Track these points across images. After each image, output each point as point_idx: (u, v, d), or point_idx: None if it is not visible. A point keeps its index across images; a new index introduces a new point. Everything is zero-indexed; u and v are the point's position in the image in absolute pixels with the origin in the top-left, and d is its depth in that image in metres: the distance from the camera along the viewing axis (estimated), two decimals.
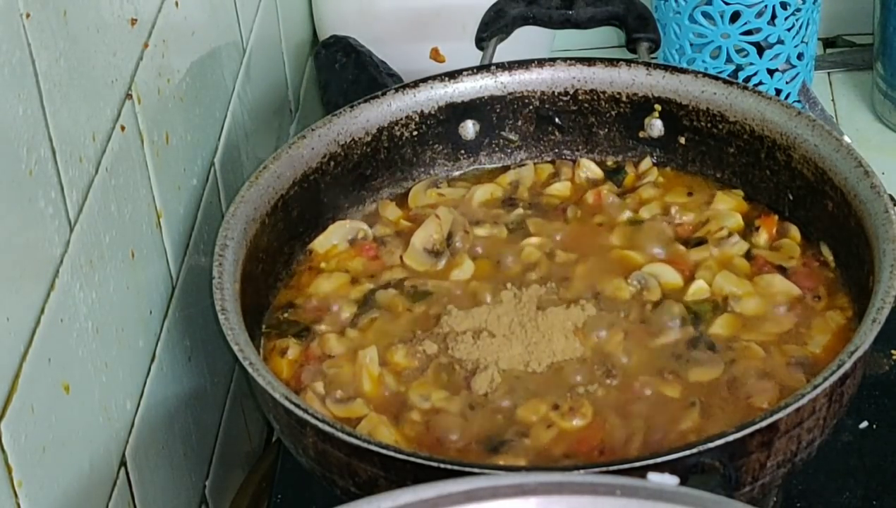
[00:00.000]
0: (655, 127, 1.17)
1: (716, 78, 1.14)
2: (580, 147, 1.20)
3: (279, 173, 1.09)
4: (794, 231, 1.09)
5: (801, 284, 1.05)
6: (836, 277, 1.05)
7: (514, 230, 1.13)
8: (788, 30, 1.48)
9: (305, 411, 0.88)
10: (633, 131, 1.18)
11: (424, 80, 1.17)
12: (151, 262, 1.01)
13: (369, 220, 1.15)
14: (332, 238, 1.12)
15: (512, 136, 1.20)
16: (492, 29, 1.25)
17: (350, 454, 0.88)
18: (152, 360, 1.00)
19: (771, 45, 1.49)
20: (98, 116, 0.91)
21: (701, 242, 1.09)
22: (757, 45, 1.49)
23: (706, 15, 1.48)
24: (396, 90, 1.17)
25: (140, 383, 0.98)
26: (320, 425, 0.87)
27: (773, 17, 1.47)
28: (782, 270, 1.06)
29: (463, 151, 1.20)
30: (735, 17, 1.47)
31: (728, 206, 1.12)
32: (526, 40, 1.30)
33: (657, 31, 1.23)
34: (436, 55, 1.56)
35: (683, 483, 0.70)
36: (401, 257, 1.10)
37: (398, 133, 1.17)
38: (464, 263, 1.09)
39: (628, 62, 1.17)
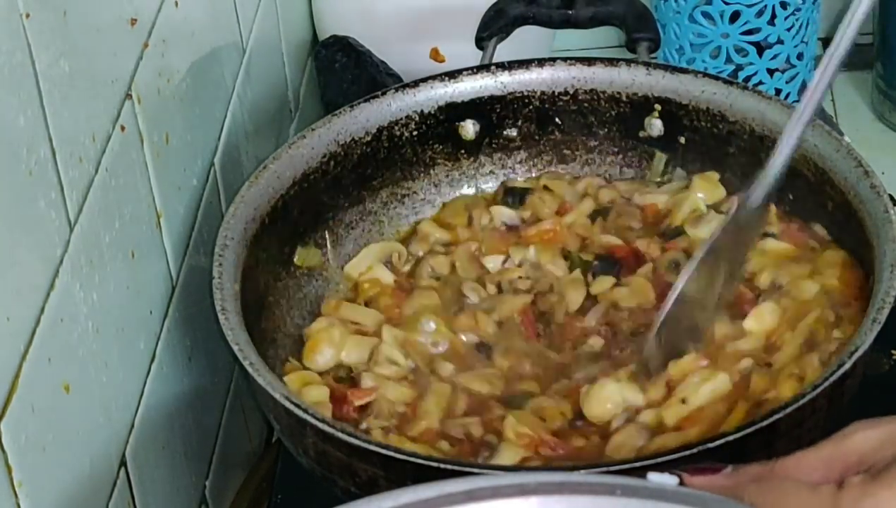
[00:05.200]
0: (655, 127, 1.17)
1: (716, 78, 1.14)
2: (580, 147, 1.20)
3: (279, 173, 1.09)
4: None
5: (793, 242, 1.06)
6: (822, 234, 1.07)
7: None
8: (788, 30, 1.49)
9: (305, 411, 0.88)
10: (633, 131, 1.18)
11: (424, 80, 1.17)
12: (151, 262, 1.01)
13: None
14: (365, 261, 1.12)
15: (512, 136, 1.20)
16: (492, 29, 1.25)
17: (350, 454, 0.88)
18: (152, 360, 1.00)
19: (771, 45, 1.49)
20: (98, 116, 0.91)
21: (678, 233, 1.09)
22: (757, 44, 1.49)
23: (706, 15, 1.48)
24: (396, 90, 1.17)
25: (140, 383, 0.98)
26: (320, 425, 0.87)
27: (773, 16, 1.48)
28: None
29: (463, 151, 1.20)
30: (735, 16, 1.47)
31: (701, 190, 1.13)
32: (526, 40, 1.31)
33: (657, 31, 1.23)
34: (436, 55, 1.56)
35: (683, 483, 0.70)
36: None
37: (398, 133, 1.17)
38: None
39: (628, 62, 1.17)
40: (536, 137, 1.20)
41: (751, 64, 1.49)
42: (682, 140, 1.16)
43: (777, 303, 1.00)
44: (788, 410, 0.85)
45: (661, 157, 1.17)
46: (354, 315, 1.07)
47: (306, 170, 1.11)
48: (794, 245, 1.06)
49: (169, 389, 1.03)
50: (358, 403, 0.97)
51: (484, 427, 0.95)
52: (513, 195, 1.17)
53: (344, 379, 1.01)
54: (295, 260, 1.10)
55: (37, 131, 0.80)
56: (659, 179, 1.17)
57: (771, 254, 1.05)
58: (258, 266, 1.05)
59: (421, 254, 1.13)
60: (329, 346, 1.02)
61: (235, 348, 0.92)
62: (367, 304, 1.09)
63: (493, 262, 1.11)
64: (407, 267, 1.12)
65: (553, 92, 1.18)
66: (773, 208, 1.09)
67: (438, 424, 0.96)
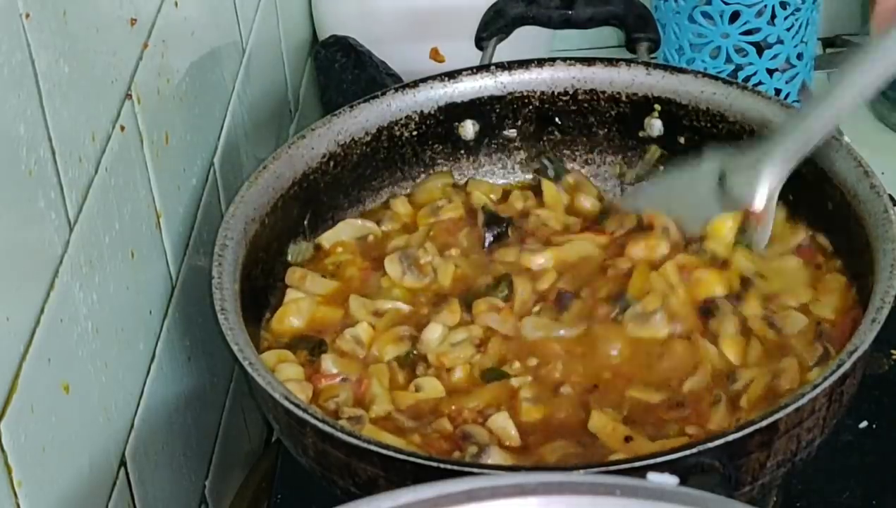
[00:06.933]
0: (655, 127, 1.17)
1: (716, 78, 1.14)
2: (580, 147, 1.20)
3: (279, 173, 1.09)
4: None
5: (800, 256, 1.06)
6: (824, 244, 1.07)
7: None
8: (788, 30, 1.48)
9: (305, 411, 0.88)
10: (633, 131, 1.18)
11: (424, 80, 1.17)
12: (151, 262, 1.01)
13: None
14: (341, 235, 1.13)
15: (512, 136, 1.20)
16: (492, 29, 1.25)
17: (350, 454, 0.88)
18: (152, 360, 1.00)
19: (771, 45, 1.49)
20: (98, 116, 0.91)
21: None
22: (757, 45, 1.49)
23: (706, 15, 1.48)
24: (396, 90, 1.17)
25: (140, 383, 0.98)
26: (320, 425, 0.87)
27: (773, 16, 1.47)
28: None
29: (463, 151, 1.20)
30: (735, 16, 1.47)
31: None
32: (526, 40, 1.30)
33: (657, 31, 1.23)
34: (435, 55, 1.56)
35: (683, 483, 0.70)
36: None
37: (398, 133, 1.17)
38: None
39: (628, 62, 1.17)
40: (536, 137, 1.21)
41: (750, 64, 1.49)
42: (682, 140, 1.16)
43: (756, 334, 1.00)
44: (788, 410, 0.85)
45: (655, 150, 1.17)
46: (318, 287, 1.07)
47: (306, 170, 1.11)
48: (801, 258, 1.05)
49: (169, 389, 1.03)
50: (322, 386, 0.99)
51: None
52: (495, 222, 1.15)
53: (314, 351, 1.02)
54: (289, 258, 1.11)
55: (37, 131, 0.80)
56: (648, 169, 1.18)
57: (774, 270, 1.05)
58: (258, 266, 1.05)
59: (387, 229, 1.14)
60: (296, 316, 1.04)
61: (235, 348, 0.92)
62: (334, 271, 1.10)
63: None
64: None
65: (553, 92, 1.18)
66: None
67: (391, 404, 0.97)
